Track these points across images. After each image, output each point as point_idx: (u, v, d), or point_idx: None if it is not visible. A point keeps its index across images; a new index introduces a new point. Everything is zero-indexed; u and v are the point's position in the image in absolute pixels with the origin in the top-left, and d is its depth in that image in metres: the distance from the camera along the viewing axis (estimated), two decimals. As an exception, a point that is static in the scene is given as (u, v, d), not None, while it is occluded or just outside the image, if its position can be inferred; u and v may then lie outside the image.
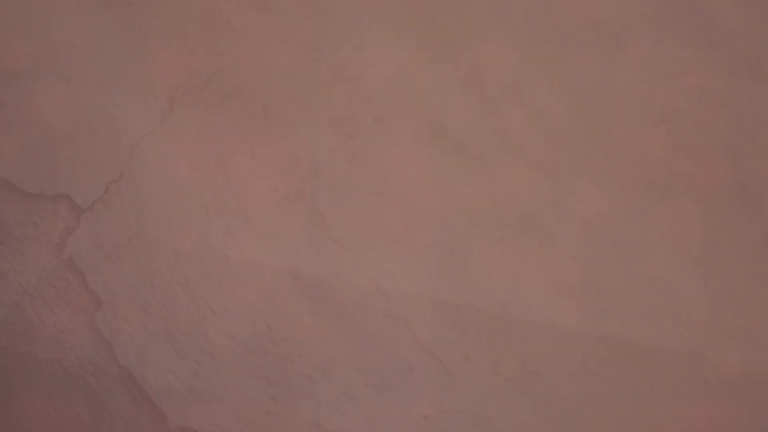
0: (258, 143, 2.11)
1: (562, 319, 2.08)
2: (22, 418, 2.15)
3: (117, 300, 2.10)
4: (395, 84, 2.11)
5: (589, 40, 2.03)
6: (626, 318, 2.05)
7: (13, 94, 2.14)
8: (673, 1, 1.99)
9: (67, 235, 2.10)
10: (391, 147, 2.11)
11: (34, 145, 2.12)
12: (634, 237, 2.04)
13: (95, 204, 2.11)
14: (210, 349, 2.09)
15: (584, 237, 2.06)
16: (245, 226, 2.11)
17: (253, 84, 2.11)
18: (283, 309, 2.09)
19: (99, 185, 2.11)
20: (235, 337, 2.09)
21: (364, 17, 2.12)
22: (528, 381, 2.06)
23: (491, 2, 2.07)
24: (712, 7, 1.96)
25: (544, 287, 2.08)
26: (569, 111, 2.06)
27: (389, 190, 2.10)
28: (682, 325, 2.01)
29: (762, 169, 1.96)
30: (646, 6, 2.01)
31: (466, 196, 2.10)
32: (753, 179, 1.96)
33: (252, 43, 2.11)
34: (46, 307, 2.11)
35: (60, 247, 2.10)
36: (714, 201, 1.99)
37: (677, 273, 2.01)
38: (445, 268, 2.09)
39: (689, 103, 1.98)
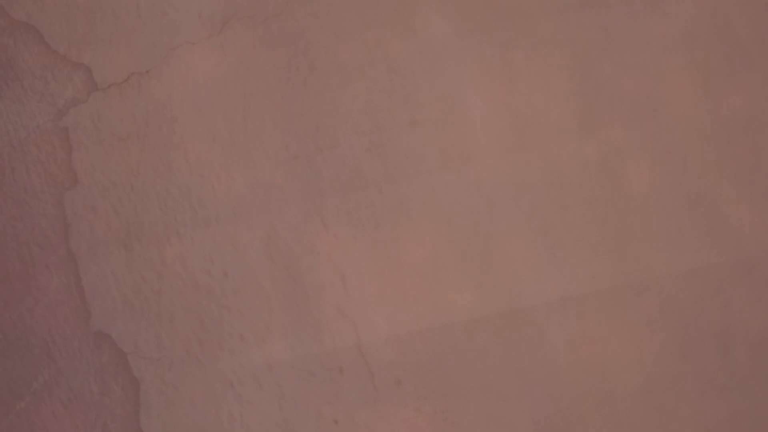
0: (289, 97, 2.06)
1: (503, 388, 2.05)
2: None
3: (93, 187, 2.05)
4: (447, 95, 2.08)
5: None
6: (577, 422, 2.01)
7: (78, -50, 2.09)
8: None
9: (72, 105, 2.06)
10: (412, 152, 2.07)
11: (78, 7, 2.07)
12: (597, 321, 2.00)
13: (111, 87, 2.06)
14: (161, 271, 2.04)
15: (562, 312, 2.03)
16: (243, 170, 2.06)
17: (310, 40, 2.07)
18: (246, 263, 2.05)
19: (122, 71, 2.06)
20: (189, 270, 2.04)
21: (447, 25, 2.08)
22: (445, 429, 2.03)
23: (568, 76, 2.03)
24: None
25: (500, 350, 2.05)
26: (594, 195, 2.03)
27: (393, 193, 2.06)
28: None
29: None
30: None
31: (462, 228, 2.06)
32: None
33: (326, 2, 2.07)
34: (22, 165, 2.05)
35: (60, 114, 2.05)
36: None
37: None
38: (416, 290, 2.05)
39: None
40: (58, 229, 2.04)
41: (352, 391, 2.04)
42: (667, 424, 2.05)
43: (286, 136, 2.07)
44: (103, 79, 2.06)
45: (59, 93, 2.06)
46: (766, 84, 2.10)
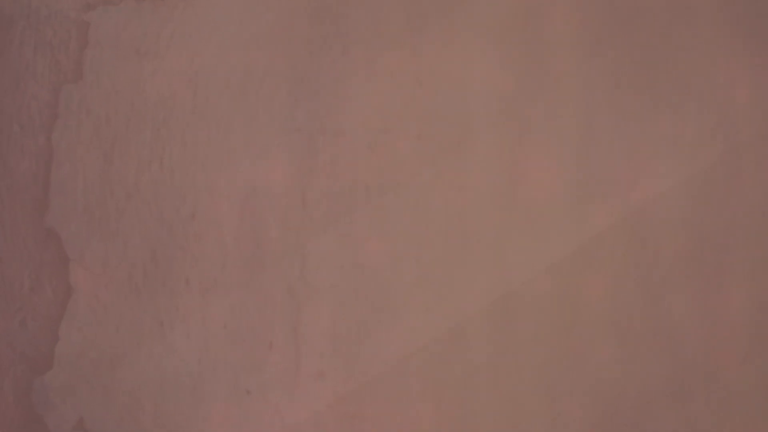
0: (312, 72, 2.08)
1: (416, 416, 2.08)
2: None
3: (93, 90, 2.02)
4: (462, 123, 2.11)
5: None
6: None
7: None
8: None
9: (102, 3, 2.03)
10: (409, 164, 2.10)
11: None
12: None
13: (144, 3, 2.04)
14: (131, 192, 2.02)
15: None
16: (243, 125, 2.06)
17: (350, 25, 2.09)
18: (216, 213, 2.04)
19: (162, -10, 2.05)
20: (159, 201, 2.03)
21: (485, 58, 2.12)
22: (349, 430, 2.05)
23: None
24: None
25: (425, 379, 2.07)
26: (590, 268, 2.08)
27: (379, 196, 2.09)
28: None
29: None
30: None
31: (431, 252, 2.09)
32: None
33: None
34: (31, 42, 2.02)
35: (87, 8, 2.03)
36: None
37: None
38: (367, 294, 2.07)
39: None
40: (45, 116, 2.01)
41: (274, 368, 2.05)
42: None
43: (295, 108, 2.08)
44: (140, -9, 2.05)
45: (93, -12, 2.03)
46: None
